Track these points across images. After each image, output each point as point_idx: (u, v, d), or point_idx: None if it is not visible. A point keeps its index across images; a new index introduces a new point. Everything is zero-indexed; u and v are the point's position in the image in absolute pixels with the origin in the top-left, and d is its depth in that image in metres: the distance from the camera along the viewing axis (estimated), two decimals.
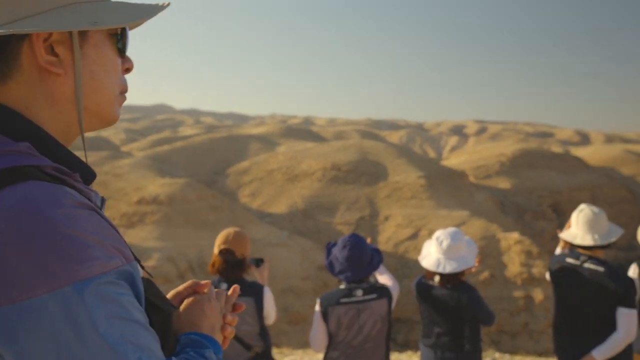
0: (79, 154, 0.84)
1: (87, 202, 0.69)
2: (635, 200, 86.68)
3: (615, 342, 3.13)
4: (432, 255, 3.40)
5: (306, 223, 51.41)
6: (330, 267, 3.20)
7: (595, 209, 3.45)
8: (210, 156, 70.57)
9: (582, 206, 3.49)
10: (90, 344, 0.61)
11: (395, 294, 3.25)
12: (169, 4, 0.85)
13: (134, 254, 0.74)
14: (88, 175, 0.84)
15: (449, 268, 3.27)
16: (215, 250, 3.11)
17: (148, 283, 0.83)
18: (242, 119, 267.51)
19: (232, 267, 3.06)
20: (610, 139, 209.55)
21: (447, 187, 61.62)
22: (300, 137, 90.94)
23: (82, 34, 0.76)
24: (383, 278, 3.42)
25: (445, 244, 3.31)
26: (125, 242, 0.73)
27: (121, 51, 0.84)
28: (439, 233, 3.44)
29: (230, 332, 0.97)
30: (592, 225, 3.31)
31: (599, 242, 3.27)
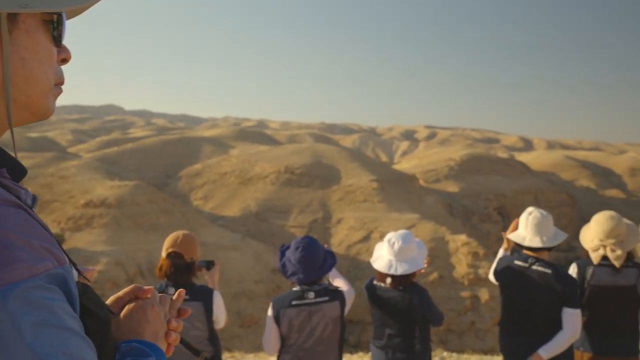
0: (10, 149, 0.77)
1: (13, 199, 0.63)
2: (574, 204, 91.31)
3: (561, 341, 3.21)
4: (383, 257, 3.41)
5: (259, 226, 51.19)
6: (283, 268, 3.17)
7: (543, 212, 3.51)
8: (162, 158, 69.12)
9: (531, 209, 3.56)
10: (16, 355, 0.54)
11: (349, 297, 3.22)
12: None
13: (68, 256, 0.68)
14: (17, 171, 0.76)
15: (400, 270, 3.28)
16: (163, 254, 3.03)
17: (84, 288, 0.75)
18: (195, 121, 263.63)
19: (180, 270, 2.99)
20: (551, 145, 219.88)
21: (398, 191, 62.88)
22: (253, 140, 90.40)
23: (12, 18, 0.68)
24: (337, 282, 3.39)
25: (396, 246, 3.32)
26: (58, 243, 0.66)
27: (57, 40, 0.75)
28: (390, 235, 3.44)
29: (175, 338, 0.91)
30: (540, 228, 3.38)
31: (547, 245, 3.35)
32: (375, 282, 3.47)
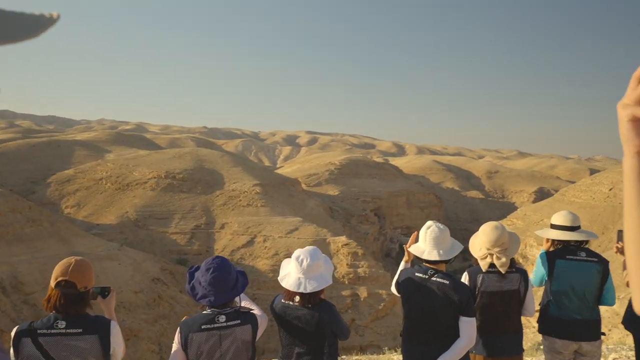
0: None
1: None
2: (441, 204, 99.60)
3: (459, 349, 3.34)
4: (292, 275, 3.33)
5: (138, 234, 49.19)
6: (192, 291, 3.01)
7: (441, 225, 3.62)
8: (28, 163, 63.21)
9: (430, 223, 3.66)
10: None
11: (262, 322, 3.12)
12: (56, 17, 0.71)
13: None
14: None
15: (310, 287, 3.23)
16: (52, 283, 2.71)
17: None
18: (66, 123, 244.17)
19: (72, 301, 2.71)
20: (421, 151, 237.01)
21: (281, 195, 64.08)
22: (132, 144, 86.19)
23: None
24: (249, 305, 3.30)
25: (305, 263, 3.27)
26: None
27: None
28: (298, 252, 3.38)
29: None
30: (438, 242, 3.54)
31: (443, 258, 3.50)
32: (283, 300, 3.35)
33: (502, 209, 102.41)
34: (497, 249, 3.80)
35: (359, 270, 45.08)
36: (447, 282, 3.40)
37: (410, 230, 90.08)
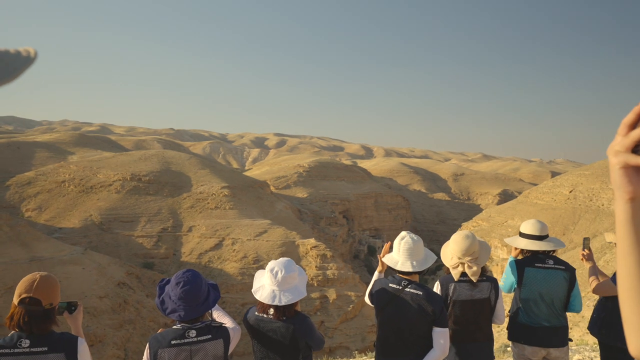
0: None
1: None
2: (409, 206, 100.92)
3: (432, 359, 3.35)
4: (266, 287, 3.27)
5: (103, 237, 48.11)
6: (162, 305, 2.91)
7: (414, 237, 3.63)
8: None
9: (404, 234, 3.67)
10: None
11: (234, 335, 3.07)
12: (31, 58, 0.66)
13: None
14: None
15: (284, 300, 3.18)
16: (15, 301, 2.61)
17: None
18: (26, 124, 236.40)
19: (37, 319, 2.60)
20: (388, 153, 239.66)
21: (250, 197, 63.78)
22: (96, 145, 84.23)
23: None
24: (221, 319, 3.25)
25: (280, 275, 3.22)
26: None
27: None
28: (272, 264, 3.32)
29: None
30: (411, 253, 3.55)
31: (417, 269, 3.51)
32: (257, 313, 3.29)
33: (467, 210, 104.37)
34: (468, 258, 3.86)
35: (328, 272, 45.23)
36: (421, 293, 3.42)
37: (379, 232, 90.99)
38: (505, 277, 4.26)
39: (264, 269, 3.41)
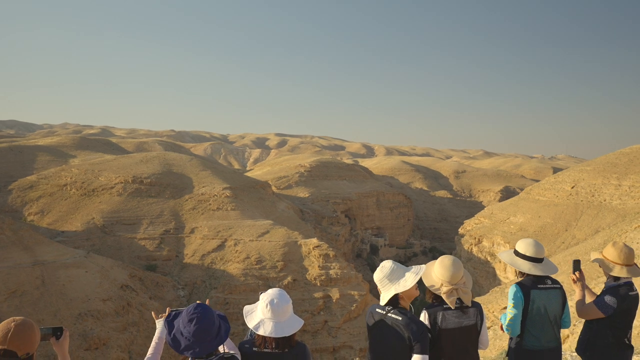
0: None
1: None
2: (411, 204, 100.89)
3: None
4: (265, 322, 3.26)
5: (106, 240, 48.17)
6: (175, 343, 2.89)
7: (393, 263, 3.72)
8: None
9: (383, 263, 3.75)
10: None
11: None
12: None
13: None
14: None
15: (288, 331, 3.20)
16: None
17: None
18: (28, 128, 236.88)
19: None
20: (389, 152, 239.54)
21: (252, 198, 63.81)
22: (97, 148, 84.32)
23: None
24: (230, 347, 3.24)
25: (277, 307, 3.24)
26: None
27: None
28: (267, 297, 3.32)
29: None
30: (393, 277, 3.61)
31: (399, 291, 3.56)
32: (256, 349, 3.28)
33: (469, 208, 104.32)
34: (461, 284, 3.83)
35: (331, 272, 45.19)
36: (400, 319, 3.45)
37: (381, 230, 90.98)
38: (512, 318, 4.10)
39: (255, 301, 3.41)
